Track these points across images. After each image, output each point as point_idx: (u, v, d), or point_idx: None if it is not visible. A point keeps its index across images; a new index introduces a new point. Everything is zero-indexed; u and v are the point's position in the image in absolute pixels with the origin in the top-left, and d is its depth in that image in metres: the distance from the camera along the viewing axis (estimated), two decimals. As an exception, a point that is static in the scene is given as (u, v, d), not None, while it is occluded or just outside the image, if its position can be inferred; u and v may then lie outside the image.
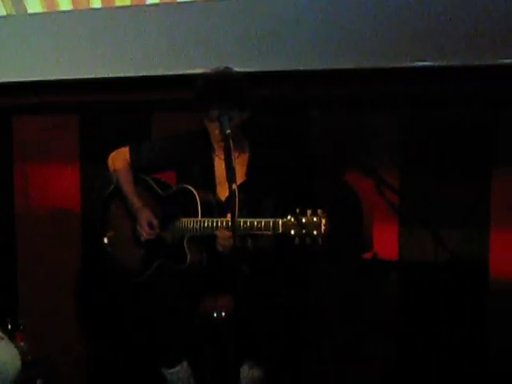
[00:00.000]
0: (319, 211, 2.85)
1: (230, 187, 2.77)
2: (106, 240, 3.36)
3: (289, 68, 3.53)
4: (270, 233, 2.92)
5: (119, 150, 3.38)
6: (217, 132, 3.06)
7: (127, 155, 3.35)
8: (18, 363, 2.88)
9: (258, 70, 3.45)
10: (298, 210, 2.86)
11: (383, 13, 3.34)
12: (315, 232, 2.82)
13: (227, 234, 2.96)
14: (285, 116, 3.69)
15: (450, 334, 3.42)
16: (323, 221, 2.82)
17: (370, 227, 3.60)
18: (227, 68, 3.16)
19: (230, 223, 2.89)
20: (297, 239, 2.84)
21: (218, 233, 3.03)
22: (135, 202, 3.27)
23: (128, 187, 3.31)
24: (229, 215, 2.91)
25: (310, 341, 3.66)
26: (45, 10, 3.99)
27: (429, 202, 3.49)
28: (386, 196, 3.54)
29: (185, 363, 3.20)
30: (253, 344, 3.11)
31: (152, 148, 3.36)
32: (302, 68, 3.51)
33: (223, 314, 3.15)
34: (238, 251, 2.86)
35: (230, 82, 3.10)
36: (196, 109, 3.14)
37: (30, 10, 4.02)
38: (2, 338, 2.99)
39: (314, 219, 2.83)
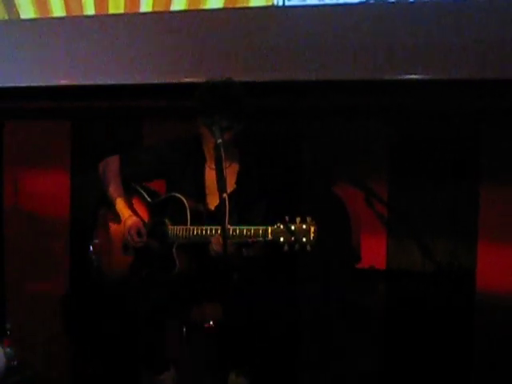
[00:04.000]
0: (308, 219, 2.87)
1: (220, 197, 2.78)
2: (91, 247, 3.36)
3: (280, 78, 3.55)
4: (259, 240, 2.93)
5: (109, 158, 3.37)
6: (212, 141, 3.05)
7: (117, 163, 3.34)
8: (1, 365, 2.88)
9: (249, 80, 3.46)
10: (287, 218, 2.88)
11: (375, 25, 3.37)
12: (304, 239, 2.84)
13: (221, 240, 2.95)
14: (275, 126, 3.70)
15: (437, 345, 3.43)
16: (312, 228, 2.85)
17: (358, 237, 3.61)
18: (229, 78, 3.16)
19: (219, 231, 2.89)
20: (286, 246, 2.86)
21: (212, 239, 3.02)
22: (124, 210, 3.26)
23: (117, 195, 3.29)
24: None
25: (299, 349, 3.67)
26: (38, 16, 4.00)
27: (417, 213, 3.50)
28: (375, 207, 3.55)
29: (172, 370, 3.20)
30: (240, 352, 3.11)
31: (142, 156, 3.35)
32: (292, 78, 3.53)
33: (211, 322, 3.14)
34: (228, 259, 2.87)
35: (232, 92, 3.10)
36: (193, 117, 3.14)
37: (23, 16, 4.04)
38: None
39: (304, 226, 2.86)
